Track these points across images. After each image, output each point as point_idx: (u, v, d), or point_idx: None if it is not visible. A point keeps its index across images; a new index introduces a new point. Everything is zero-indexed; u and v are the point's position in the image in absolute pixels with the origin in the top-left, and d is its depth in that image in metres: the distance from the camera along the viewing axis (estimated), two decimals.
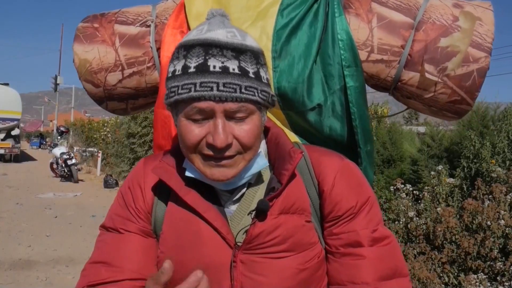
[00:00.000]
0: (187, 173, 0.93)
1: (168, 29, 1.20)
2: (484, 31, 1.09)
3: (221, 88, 0.82)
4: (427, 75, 1.12)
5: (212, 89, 0.82)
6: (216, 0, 1.18)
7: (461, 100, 1.13)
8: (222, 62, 0.84)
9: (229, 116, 0.85)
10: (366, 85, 1.19)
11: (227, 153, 0.86)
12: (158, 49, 1.24)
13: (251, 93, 0.85)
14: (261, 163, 0.94)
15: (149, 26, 1.26)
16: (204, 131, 0.85)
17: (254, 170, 0.92)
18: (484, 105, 6.08)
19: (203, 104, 0.83)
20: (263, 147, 0.99)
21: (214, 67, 0.83)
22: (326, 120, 1.15)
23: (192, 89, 0.83)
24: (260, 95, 0.87)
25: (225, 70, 0.83)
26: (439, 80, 1.12)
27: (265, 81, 0.90)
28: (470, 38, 1.09)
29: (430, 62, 1.11)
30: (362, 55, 1.14)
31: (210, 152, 0.86)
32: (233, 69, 0.84)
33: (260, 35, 1.11)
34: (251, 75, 0.85)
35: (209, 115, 0.85)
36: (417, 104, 1.21)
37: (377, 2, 1.15)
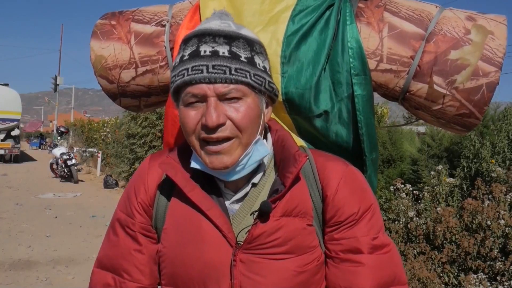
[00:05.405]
0: (192, 164, 0.95)
1: (182, 30, 1.21)
2: (496, 45, 1.08)
3: (210, 70, 0.85)
4: (435, 87, 1.11)
5: (202, 71, 0.86)
6: (230, 3, 1.19)
7: (469, 114, 1.12)
8: (213, 47, 0.87)
9: (222, 98, 0.87)
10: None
11: (221, 134, 0.87)
12: (172, 49, 1.25)
13: (242, 75, 0.87)
14: (262, 150, 0.94)
15: (164, 25, 1.27)
16: (200, 114, 0.88)
17: (255, 157, 0.93)
18: None
19: (195, 89, 0.87)
20: (269, 147, 1.00)
21: (205, 51, 0.87)
22: (332, 127, 1.15)
23: (185, 74, 0.87)
24: (253, 78, 0.88)
25: (214, 54, 0.87)
26: (448, 92, 1.11)
27: (261, 68, 0.91)
28: (481, 52, 1.07)
29: (439, 74, 1.10)
30: (371, 64, 1.14)
31: (206, 135, 0.88)
32: (223, 53, 0.87)
33: (270, 40, 1.11)
34: (242, 59, 0.88)
35: (202, 99, 0.87)
36: (426, 115, 1.21)
37: (389, 11, 1.14)
